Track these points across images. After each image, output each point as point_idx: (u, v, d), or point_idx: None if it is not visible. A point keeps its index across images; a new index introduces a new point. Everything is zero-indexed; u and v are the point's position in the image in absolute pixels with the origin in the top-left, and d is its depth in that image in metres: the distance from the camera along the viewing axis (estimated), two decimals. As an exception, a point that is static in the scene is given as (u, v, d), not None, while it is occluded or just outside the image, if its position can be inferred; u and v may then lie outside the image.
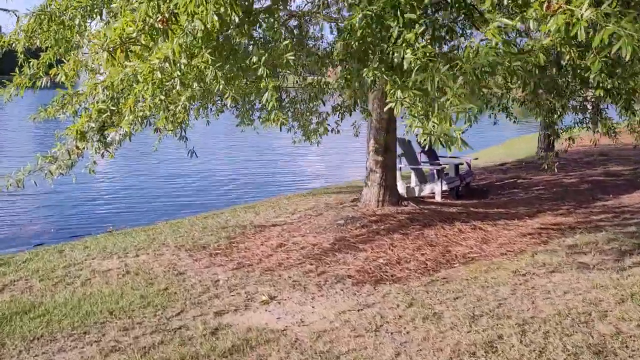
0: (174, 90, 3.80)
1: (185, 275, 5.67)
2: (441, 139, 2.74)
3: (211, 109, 8.60)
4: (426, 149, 10.21)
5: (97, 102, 5.37)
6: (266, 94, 3.52)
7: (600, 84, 4.39)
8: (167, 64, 3.49)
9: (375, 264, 5.69)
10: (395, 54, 3.40)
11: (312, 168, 16.47)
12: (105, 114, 5.30)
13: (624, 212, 7.60)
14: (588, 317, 4.07)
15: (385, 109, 3.39)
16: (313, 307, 4.70)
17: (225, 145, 20.10)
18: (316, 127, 10.55)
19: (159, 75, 3.52)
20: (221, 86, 3.52)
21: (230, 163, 16.71)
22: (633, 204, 8.04)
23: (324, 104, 10.78)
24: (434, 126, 2.75)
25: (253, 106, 10.70)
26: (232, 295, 5.01)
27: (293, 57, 3.67)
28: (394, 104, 3.22)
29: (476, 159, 11.01)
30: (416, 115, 3.03)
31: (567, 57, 3.29)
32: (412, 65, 3.17)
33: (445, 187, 8.98)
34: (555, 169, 7.22)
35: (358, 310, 4.51)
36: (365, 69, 3.47)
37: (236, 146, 19.53)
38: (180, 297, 4.96)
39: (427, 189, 9.12)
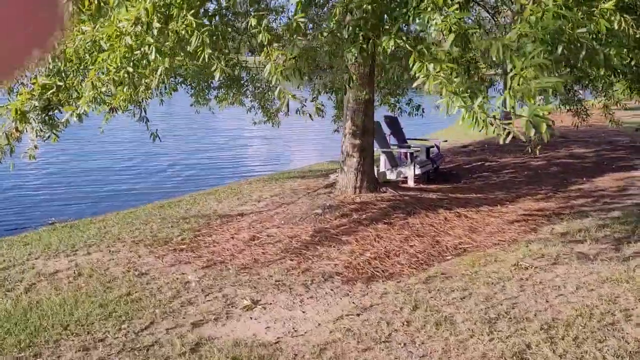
0: (143, 61, 3.09)
1: (149, 277, 4.97)
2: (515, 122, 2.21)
3: (165, 86, 7.79)
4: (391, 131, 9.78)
5: (41, 76, 4.57)
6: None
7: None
8: (139, 27, 2.78)
9: (363, 258, 5.18)
10: (417, 21, 2.84)
11: (271, 151, 15.81)
12: (51, 91, 4.50)
13: (602, 196, 7.42)
14: (613, 317, 3.72)
15: (415, 85, 2.86)
16: (304, 311, 4.14)
17: (177, 127, 19.03)
18: (278, 107, 10.01)
19: (129, 42, 2.81)
20: (207, 55, 2.84)
21: (184, 146, 15.73)
22: (608, 188, 7.90)
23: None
24: (513, 105, 2.22)
25: (210, 85, 9.94)
26: (209, 300, 4.37)
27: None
28: (424, 79, 2.66)
29: (445, 141, 10.68)
30: (457, 92, 2.49)
31: (620, 26, 2.85)
32: (444, 33, 2.63)
33: (418, 172, 8.57)
34: (537, 152, 6.91)
35: (357, 315, 3.99)
36: (384, 37, 2.89)
37: (189, 128, 18.50)
38: (148, 305, 4.28)
39: (398, 173, 8.68)
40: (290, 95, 2.99)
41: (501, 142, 2.52)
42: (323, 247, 5.51)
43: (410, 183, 8.40)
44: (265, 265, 5.16)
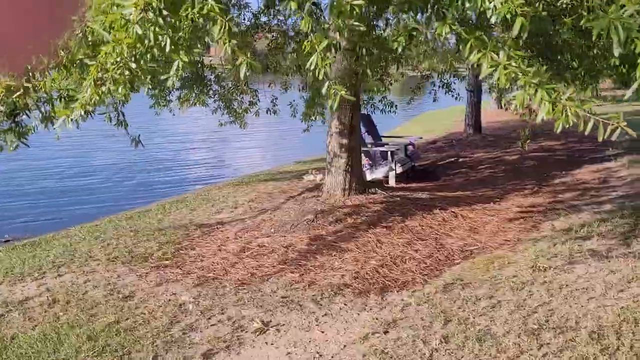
0: (148, 55, 2.60)
1: (136, 299, 4.43)
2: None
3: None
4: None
5: (4, 77, 3.96)
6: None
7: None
8: (150, 14, 2.31)
9: (369, 267, 4.83)
10: (468, 4, 2.50)
11: (234, 154, 15.20)
12: (17, 93, 3.91)
13: (587, 189, 7.38)
14: (659, 321, 3.52)
15: (481, 76, 2.52)
16: (323, 332, 3.74)
17: (134, 129, 17.97)
18: (248, 106, 9.51)
19: (139, 31, 2.32)
20: (230, 47, 2.40)
21: (142, 150, 14.83)
22: (589, 180, 7.89)
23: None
24: None
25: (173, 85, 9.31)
26: (213, 325, 3.90)
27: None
28: (490, 70, 2.32)
29: (420, 138, 10.50)
30: (539, 83, 2.16)
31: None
32: (508, 18, 2.30)
33: (399, 170, 8.31)
34: (527, 147, 6.77)
35: (384, 333, 3.62)
36: (438, 23, 2.53)
37: (147, 130, 17.42)
38: (144, 334, 3.76)
39: (379, 173, 8.39)
40: (342, 92, 2.58)
41: (600, 139, 2.20)
42: (323, 257, 5.12)
43: (392, 182, 8.13)
44: (264, 279, 4.72)
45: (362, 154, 8.43)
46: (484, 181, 8.29)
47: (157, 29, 2.40)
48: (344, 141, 6.47)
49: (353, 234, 5.57)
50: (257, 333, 3.73)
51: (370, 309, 4.06)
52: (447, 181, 8.55)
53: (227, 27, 2.35)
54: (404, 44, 2.76)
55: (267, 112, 9.58)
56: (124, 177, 11.64)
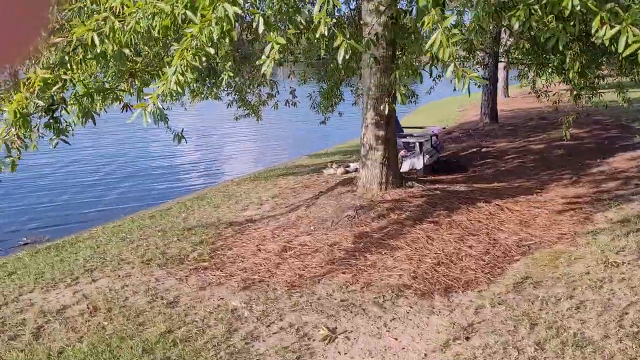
0: (226, 39, 2.29)
1: (183, 306, 4.14)
2: None
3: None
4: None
5: (40, 69, 3.66)
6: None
7: None
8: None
9: (425, 266, 4.55)
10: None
11: (243, 149, 14.83)
12: (56, 87, 3.60)
13: (628, 177, 7.12)
14: None
15: (627, 53, 2.21)
16: (396, 339, 3.46)
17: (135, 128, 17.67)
18: (266, 99, 9.19)
19: (230, 11, 2.01)
20: (326, 29, 2.09)
21: (151, 147, 14.53)
22: (627, 169, 7.63)
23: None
24: None
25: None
26: (275, 333, 3.61)
27: None
28: (637, 47, 2.03)
29: (444, 128, 10.20)
30: None
31: None
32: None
33: (427, 162, 8.03)
34: (569, 135, 6.50)
35: (466, 339, 3.35)
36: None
37: (153, 126, 17.03)
38: (204, 345, 3.47)
39: (406, 165, 8.10)
40: (473, 74, 2.27)
41: None
42: (373, 255, 4.84)
43: (420, 174, 7.85)
44: (315, 281, 4.43)
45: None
46: (516, 172, 8.02)
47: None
48: (380, 133, 6.17)
49: (400, 230, 5.29)
50: (326, 341, 3.45)
51: (440, 312, 3.79)
52: (477, 172, 8.27)
53: (328, 4, 2.04)
54: (523, 19, 2.46)
55: (285, 104, 9.29)
56: (134, 174, 11.30)
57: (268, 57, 2.18)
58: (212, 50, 2.29)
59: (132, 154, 13.35)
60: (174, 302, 4.22)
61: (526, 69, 8.77)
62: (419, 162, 7.98)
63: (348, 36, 2.13)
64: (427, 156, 8.11)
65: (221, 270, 4.83)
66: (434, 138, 9.13)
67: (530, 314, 3.57)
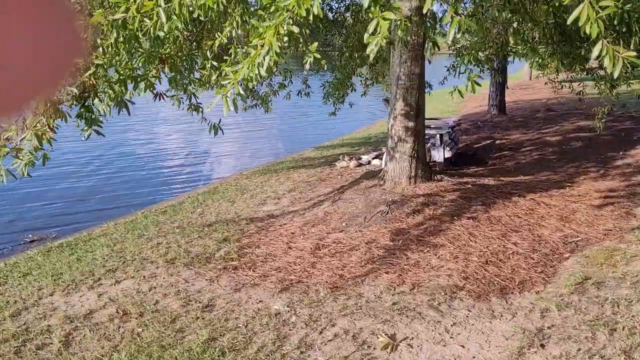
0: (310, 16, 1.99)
1: (220, 309, 3.85)
2: None
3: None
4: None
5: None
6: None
7: None
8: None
9: (474, 265, 4.30)
10: None
11: (245, 141, 14.44)
12: (89, 72, 3.29)
13: (656, 170, 6.94)
14: None
15: None
16: (463, 346, 3.20)
17: (137, 119, 17.17)
18: (277, 89, 8.85)
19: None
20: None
21: (150, 141, 14.08)
22: (653, 161, 7.46)
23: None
24: None
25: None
26: (330, 340, 3.34)
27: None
28: None
29: (459, 121, 9.96)
30: None
31: None
32: None
33: (448, 154, 7.78)
34: (601, 126, 6.29)
35: (541, 347, 3.10)
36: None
37: (148, 119, 16.52)
38: (255, 355, 3.19)
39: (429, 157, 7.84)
40: (630, 54, 1.97)
41: None
42: (414, 253, 4.58)
43: (440, 167, 7.60)
44: (358, 282, 4.16)
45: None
46: (538, 164, 7.80)
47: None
48: (410, 124, 5.90)
49: (438, 226, 5.03)
50: (388, 349, 3.19)
51: (501, 316, 3.54)
52: (497, 165, 8.04)
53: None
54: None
55: (298, 94, 8.98)
56: (137, 169, 10.91)
57: (375, 34, 1.87)
58: (295, 29, 1.99)
59: (133, 150, 12.94)
60: (210, 306, 3.93)
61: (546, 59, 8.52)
62: (439, 155, 7.73)
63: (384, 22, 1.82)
64: (447, 148, 7.86)
65: (253, 270, 4.54)
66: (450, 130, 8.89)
67: (604, 318, 3.34)
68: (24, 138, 2.90)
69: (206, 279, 4.44)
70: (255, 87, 9.07)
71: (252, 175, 8.90)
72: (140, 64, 3.73)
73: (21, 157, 2.89)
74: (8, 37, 0.35)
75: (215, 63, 3.36)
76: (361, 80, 10.18)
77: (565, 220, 5.19)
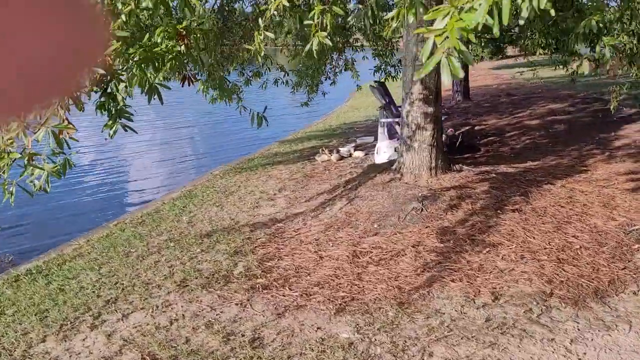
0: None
1: (273, 344, 3.10)
2: None
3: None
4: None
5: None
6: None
7: None
8: None
9: (549, 266, 3.78)
10: None
11: (204, 139, 13.42)
12: (112, 48, 2.50)
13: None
14: None
15: None
16: (601, 369, 2.65)
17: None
18: (251, 77, 8.01)
19: None
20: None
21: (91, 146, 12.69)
22: (648, 141, 7.34)
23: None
24: None
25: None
26: (439, 377, 2.68)
27: None
28: None
29: (446, 112, 9.51)
30: None
31: None
32: None
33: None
34: (616, 106, 6.01)
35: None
36: None
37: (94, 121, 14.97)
38: (358, 407, 2.47)
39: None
40: None
41: None
42: (473, 255, 4.00)
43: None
44: (424, 294, 3.53)
45: (392, 128, 7.36)
46: (535, 149, 7.48)
47: None
48: (430, 109, 5.32)
49: (485, 222, 4.49)
50: (517, 383, 2.58)
51: (616, 326, 3.03)
52: (492, 152, 7.65)
53: None
54: None
55: (274, 84, 8.19)
56: (90, 179, 9.69)
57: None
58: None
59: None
60: (258, 339, 3.17)
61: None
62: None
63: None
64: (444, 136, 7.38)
65: (289, 289, 3.80)
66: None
67: None
68: (36, 138, 2.02)
69: (235, 304, 3.65)
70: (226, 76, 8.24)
71: (225, 175, 8.04)
72: (160, 39, 2.88)
73: (39, 166, 2.01)
74: (34, 30, 0.35)
75: (270, 34, 2.61)
76: (331, 68, 9.52)
77: (610, 208, 4.81)
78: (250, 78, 7.75)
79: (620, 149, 6.99)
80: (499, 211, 4.67)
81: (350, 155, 8.43)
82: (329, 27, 2.22)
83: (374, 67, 8.90)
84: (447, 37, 1.28)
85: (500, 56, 26.17)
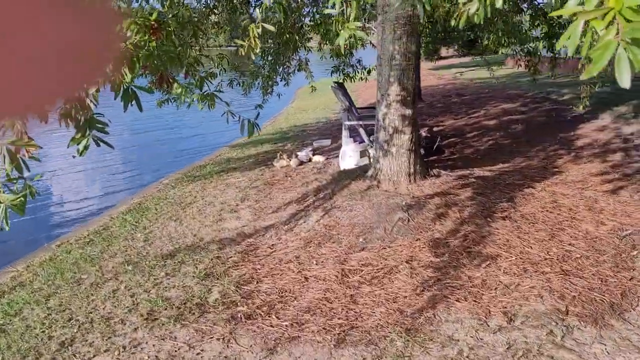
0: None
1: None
2: None
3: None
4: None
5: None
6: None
7: None
8: None
9: (555, 279, 3.53)
10: None
11: (148, 146, 12.60)
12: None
13: (623, 149, 6.79)
14: None
15: None
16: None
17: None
18: (204, 76, 7.43)
19: None
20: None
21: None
22: (609, 140, 7.36)
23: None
24: None
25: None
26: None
27: None
28: None
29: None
30: None
31: None
32: None
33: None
34: (584, 106, 5.94)
35: None
36: None
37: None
38: None
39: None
40: None
41: None
42: (472, 270, 3.70)
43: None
44: (429, 318, 3.19)
45: (364, 131, 7.03)
46: (501, 150, 7.36)
47: None
48: (408, 112, 5.01)
49: (478, 232, 4.21)
50: None
51: (645, 345, 2.80)
52: (458, 154, 7.47)
53: None
54: None
55: (229, 86, 7.66)
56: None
57: None
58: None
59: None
60: (253, 385, 2.71)
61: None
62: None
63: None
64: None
65: (277, 317, 3.36)
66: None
67: None
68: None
69: (217, 339, 3.17)
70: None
71: (177, 184, 7.44)
72: (129, 34, 2.38)
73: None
74: (50, 32, 0.35)
75: (269, 26, 2.16)
76: (283, 69, 9.08)
77: (596, 212, 4.66)
78: (204, 77, 7.17)
79: (584, 148, 6.97)
80: (488, 219, 4.41)
81: (310, 160, 8.05)
82: (352, 17, 1.82)
83: (332, 67, 8.55)
84: (615, 21, 0.91)
85: (436, 57, 26.62)
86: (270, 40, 7.57)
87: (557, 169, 6.01)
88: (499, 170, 6.00)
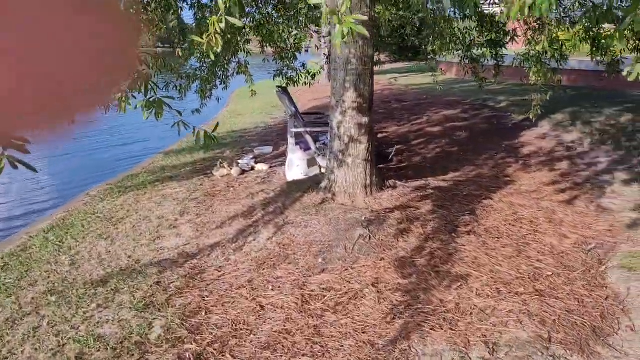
0: None
1: None
2: None
3: None
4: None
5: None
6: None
7: None
8: None
9: (532, 301, 3.31)
10: None
11: (76, 155, 11.59)
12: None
13: (568, 157, 6.82)
14: None
15: None
16: None
17: None
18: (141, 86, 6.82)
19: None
20: None
21: None
22: (553, 148, 7.40)
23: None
24: None
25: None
26: None
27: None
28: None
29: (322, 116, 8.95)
30: None
31: None
32: None
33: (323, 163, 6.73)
34: (536, 113, 5.87)
35: None
36: None
37: None
38: None
39: (323, 162, 6.70)
40: None
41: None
42: (444, 293, 3.43)
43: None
44: (404, 350, 2.87)
45: (311, 140, 6.68)
46: (449, 159, 7.22)
47: None
48: (364, 120, 4.71)
49: (444, 249, 3.95)
50: None
51: (638, 375, 2.61)
52: (405, 162, 7.27)
53: None
54: None
55: (165, 89, 7.08)
56: None
57: None
58: None
59: None
60: None
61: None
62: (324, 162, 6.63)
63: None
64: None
65: (231, 356, 2.94)
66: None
67: None
68: None
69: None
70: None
71: (106, 196, 6.78)
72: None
73: None
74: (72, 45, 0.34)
75: (236, 20, 1.76)
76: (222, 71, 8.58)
77: (556, 224, 4.54)
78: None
79: (531, 157, 6.95)
80: (453, 234, 4.17)
81: (253, 168, 7.62)
82: (343, 9, 1.46)
83: (275, 70, 8.15)
84: None
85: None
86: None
87: (509, 178, 5.91)
88: (453, 180, 5.82)
